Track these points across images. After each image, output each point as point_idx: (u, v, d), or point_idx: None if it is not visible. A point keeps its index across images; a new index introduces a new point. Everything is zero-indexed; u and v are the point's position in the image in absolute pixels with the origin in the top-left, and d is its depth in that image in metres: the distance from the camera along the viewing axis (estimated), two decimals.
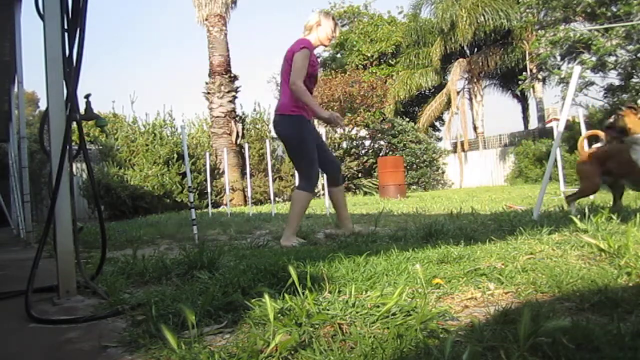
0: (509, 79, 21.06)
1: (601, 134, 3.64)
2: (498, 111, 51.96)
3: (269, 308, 1.27)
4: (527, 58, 17.70)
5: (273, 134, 16.40)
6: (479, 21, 18.27)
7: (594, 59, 10.47)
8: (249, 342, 1.20)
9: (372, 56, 24.32)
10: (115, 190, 10.57)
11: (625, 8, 9.49)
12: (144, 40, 69.10)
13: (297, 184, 3.62)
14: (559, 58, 12.00)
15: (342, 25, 27.36)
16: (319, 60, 29.13)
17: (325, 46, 3.67)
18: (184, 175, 12.00)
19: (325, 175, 3.81)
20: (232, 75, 14.65)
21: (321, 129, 8.33)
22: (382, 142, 17.56)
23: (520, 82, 15.26)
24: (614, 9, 10.11)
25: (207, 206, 9.59)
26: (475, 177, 19.43)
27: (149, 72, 67.87)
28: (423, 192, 16.21)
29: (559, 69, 11.88)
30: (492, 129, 32.09)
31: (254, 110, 15.97)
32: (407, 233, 3.23)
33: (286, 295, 1.44)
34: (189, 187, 4.82)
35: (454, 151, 20.23)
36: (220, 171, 13.25)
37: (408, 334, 1.16)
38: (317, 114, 3.49)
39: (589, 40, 10.18)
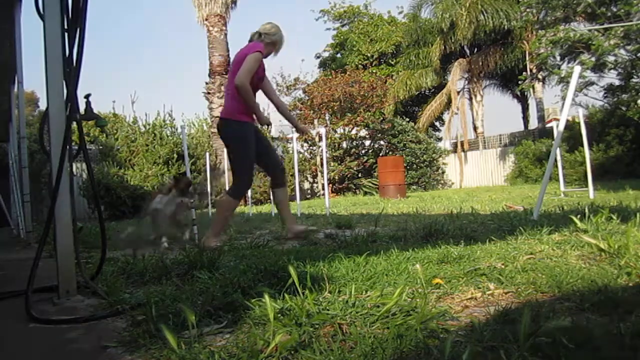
0: (509, 79, 21.03)
1: None
2: (498, 111, 51.91)
3: (269, 308, 1.27)
4: (527, 58, 17.67)
5: (273, 133, 16.45)
6: (478, 19, 18.24)
7: (593, 59, 10.46)
8: (249, 342, 1.20)
9: (372, 56, 24.32)
10: (115, 190, 10.55)
11: (625, 8, 9.49)
12: (144, 40, 69.08)
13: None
14: (558, 58, 11.98)
15: (342, 25, 27.37)
16: (318, 60, 28.93)
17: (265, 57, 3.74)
18: (184, 175, 11.98)
19: (270, 177, 4.00)
20: None
21: (322, 130, 8.33)
22: (382, 142, 17.56)
23: (520, 82, 15.23)
24: (614, 9, 10.10)
25: (207, 206, 9.59)
26: (475, 177, 19.42)
27: (149, 72, 67.83)
28: (423, 192, 16.19)
29: (559, 69, 11.86)
30: (492, 129, 32.13)
31: None
32: (407, 233, 3.23)
33: (286, 295, 1.44)
34: None
35: (454, 151, 20.21)
36: (220, 171, 13.22)
37: (408, 334, 1.16)
38: (257, 115, 3.69)
39: (589, 40, 10.17)
